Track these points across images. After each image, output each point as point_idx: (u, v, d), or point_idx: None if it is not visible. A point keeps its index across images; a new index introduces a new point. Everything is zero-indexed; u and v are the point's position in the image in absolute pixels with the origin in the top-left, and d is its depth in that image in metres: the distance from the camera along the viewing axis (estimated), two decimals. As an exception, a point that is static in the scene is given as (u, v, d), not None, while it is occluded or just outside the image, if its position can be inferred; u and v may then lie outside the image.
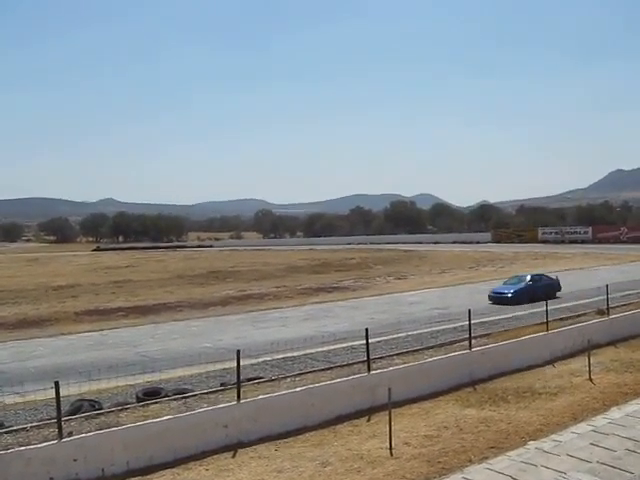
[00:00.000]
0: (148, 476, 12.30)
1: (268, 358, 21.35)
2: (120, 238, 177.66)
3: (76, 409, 14.88)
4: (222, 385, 17.06)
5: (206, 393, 15.93)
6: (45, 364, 23.35)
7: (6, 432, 13.46)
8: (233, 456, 13.25)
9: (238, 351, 14.60)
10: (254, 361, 20.49)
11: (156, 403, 15.02)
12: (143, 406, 14.89)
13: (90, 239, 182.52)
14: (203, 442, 13.39)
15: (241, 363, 14.72)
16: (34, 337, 29.52)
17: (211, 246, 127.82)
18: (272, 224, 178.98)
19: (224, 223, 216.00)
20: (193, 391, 16.53)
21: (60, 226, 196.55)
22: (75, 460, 12.14)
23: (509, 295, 33.40)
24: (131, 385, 18.18)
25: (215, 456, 13.22)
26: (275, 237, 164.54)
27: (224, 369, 19.70)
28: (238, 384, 14.60)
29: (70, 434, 12.66)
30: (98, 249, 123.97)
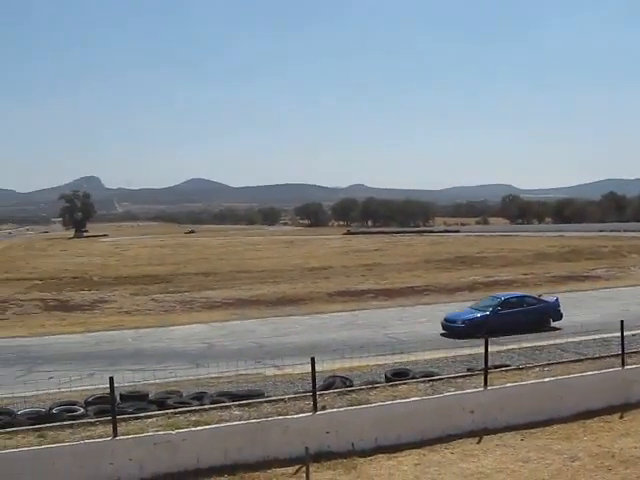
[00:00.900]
0: (395, 454, 12.66)
1: (515, 346, 21.03)
2: (369, 222, 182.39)
3: (329, 385, 15.66)
4: (469, 370, 17.09)
5: (453, 377, 16.05)
6: (300, 340, 24.91)
7: (266, 401, 14.48)
8: (478, 442, 13.28)
9: (486, 338, 14.59)
10: (500, 348, 20.28)
11: (404, 384, 15.36)
12: (392, 386, 15.29)
13: (341, 223, 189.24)
14: (449, 426, 13.55)
15: (488, 350, 14.70)
16: (290, 315, 31.53)
17: (457, 231, 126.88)
18: (519, 209, 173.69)
19: (470, 208, 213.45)
20: (440, 374, 16.72)
21: (314, 211, 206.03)
22: (327, 433, 12.82)
23: (461, 324, 25.42)
24: (380, 365, 18.86)
25: (460, 440, 13.31)
26: (522, 223, 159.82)
27: (470, 354, 19.79)
28: (485, 370, 14.59)
29: (324, 408, 13.37)
30: (348, 233, 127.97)
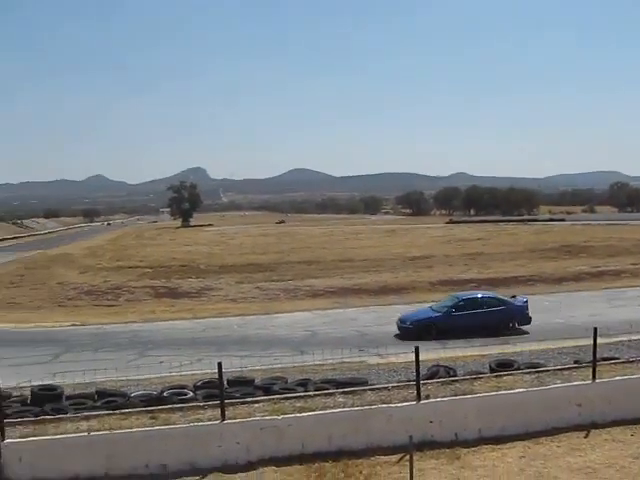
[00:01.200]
0: (499, 445, 12.51)
1: (624, 338, 20.38)
2: (472, 211, 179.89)
3: (432, 374, 15.64)
4: (575, 362, 16.71)
5: (559, 369, 15.74)
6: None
7: (370, 389, 14.59)
8: (585, 436, 12.96)
9: (595, 329, 14.20)
10: (608, 340, 19.64)
11: (509, 375, 15.18)
12: (496, 377, 15.13)
13: (443, 212, 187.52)
14: (555, 418, 13.28)
15: (597, 342, 14.33)
16: (392, 304, 31.55)
17: (563, 220, 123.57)
18: (629, 197, 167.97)
19: (576, 196, 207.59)
20: (546, 366, 16.43)
21: (415, 199, 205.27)
22: (431, 422, 12.79)
23: (409, 325, 24.18)
24: (483, 355, 18.71)
25: (567, 434, 13.00)
26: (632, 211, 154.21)
27: (577, 346, 19.36)
28: (594, 363, 14.22)
29: (427, 397, 13.37)
30: (451, 222, 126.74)
